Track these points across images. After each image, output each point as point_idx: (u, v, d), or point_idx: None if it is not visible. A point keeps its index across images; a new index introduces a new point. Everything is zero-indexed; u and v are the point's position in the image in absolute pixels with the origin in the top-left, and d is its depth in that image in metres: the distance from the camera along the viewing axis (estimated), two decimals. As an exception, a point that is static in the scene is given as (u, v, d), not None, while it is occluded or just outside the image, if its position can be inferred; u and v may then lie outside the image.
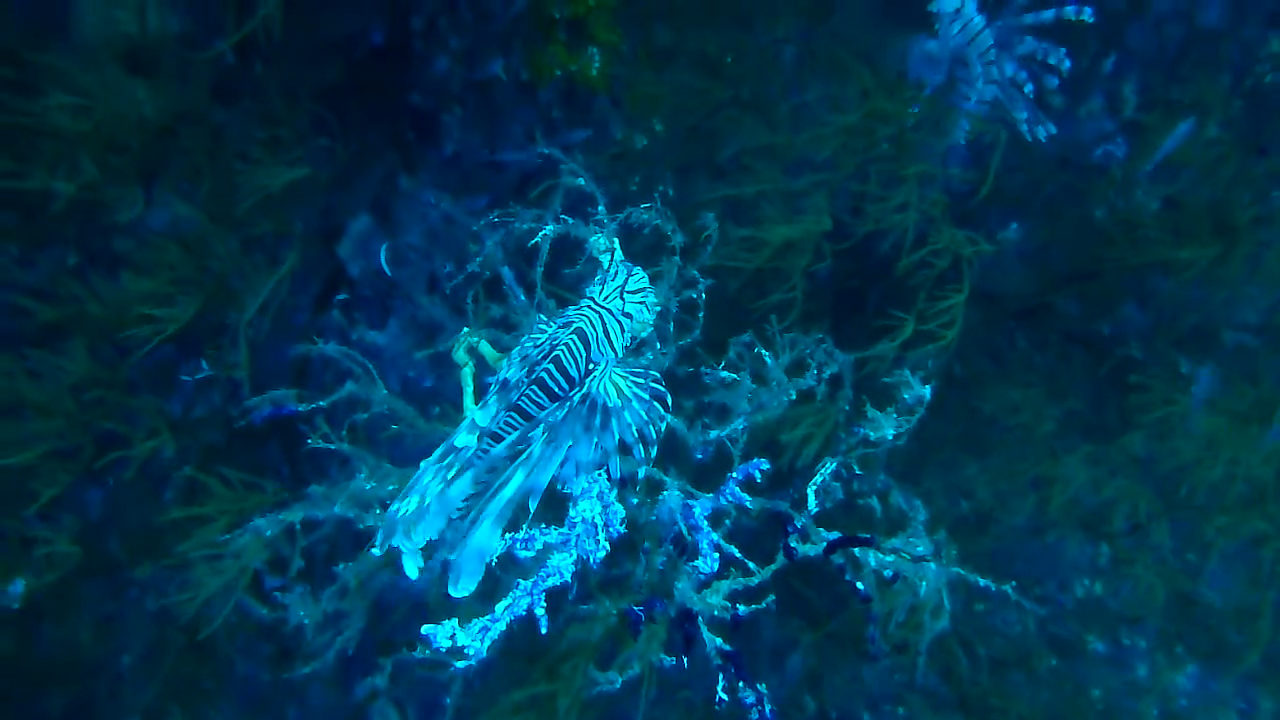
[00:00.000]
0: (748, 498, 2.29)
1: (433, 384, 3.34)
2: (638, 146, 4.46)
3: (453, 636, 1.73)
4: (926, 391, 2.20)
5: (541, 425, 2.10)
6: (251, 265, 3.42)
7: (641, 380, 2.21)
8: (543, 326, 2.25)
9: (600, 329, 2.19)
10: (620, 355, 2.23)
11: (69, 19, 3.53)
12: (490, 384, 2.18)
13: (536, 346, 2.18)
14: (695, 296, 2.17)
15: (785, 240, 3.22)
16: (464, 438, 2.09)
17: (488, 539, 1.92)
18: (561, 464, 2.10)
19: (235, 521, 2.82)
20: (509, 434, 2.12)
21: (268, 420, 3.06)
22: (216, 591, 2.81)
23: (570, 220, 2.05)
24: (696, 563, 2.31)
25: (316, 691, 3.59)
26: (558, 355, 2.16)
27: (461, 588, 1.91)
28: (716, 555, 2.32)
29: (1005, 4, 3.54)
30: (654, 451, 2.17)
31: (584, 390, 2.16)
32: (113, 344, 3.49)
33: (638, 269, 2.23)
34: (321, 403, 2.17)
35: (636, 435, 2.16)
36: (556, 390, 2.17)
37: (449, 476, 2.05)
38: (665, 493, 2.35)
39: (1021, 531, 4.51)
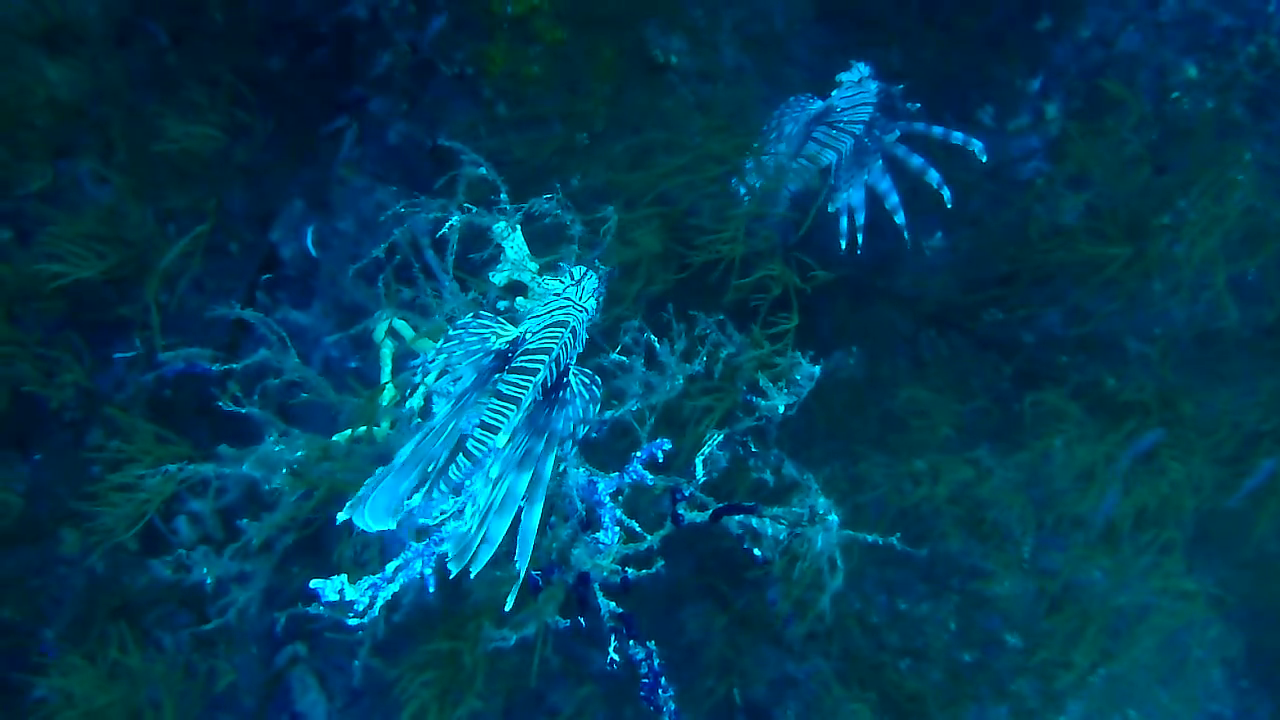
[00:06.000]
0: (649, 476, 2.44)
1: (358, 364, 3.45)
2: (582, 143, 4.56)
3: (340, 591, 1.83)
4: (816, 370, 2.37)
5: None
6: (164, 238, 3.52)
7: (588, 381, 2.37)
8: (488, 320, 2.35)
9: (578, 330, 2.34)
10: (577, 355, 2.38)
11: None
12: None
13: (510, 343, 2.29)
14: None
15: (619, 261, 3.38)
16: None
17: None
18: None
19: (153, 465, 2.88)
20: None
21: (180, 375, 3.15)
22: (122, 518, 2.86)
23: (474, 209, 2.18)
24: (598, 534, 2.46)
25: (240, 661, 3.67)
26: (558, 354, 2.28)
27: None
28: (618, 529, 2.46)
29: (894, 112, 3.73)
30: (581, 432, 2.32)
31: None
32: (32, 311, 3.58)
33: (591, 272, 2.39)
34: (234, 365, 2.28)
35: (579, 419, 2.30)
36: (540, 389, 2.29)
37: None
38: (571, 470, 2.48)
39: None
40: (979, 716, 4.20)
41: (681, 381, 2.26)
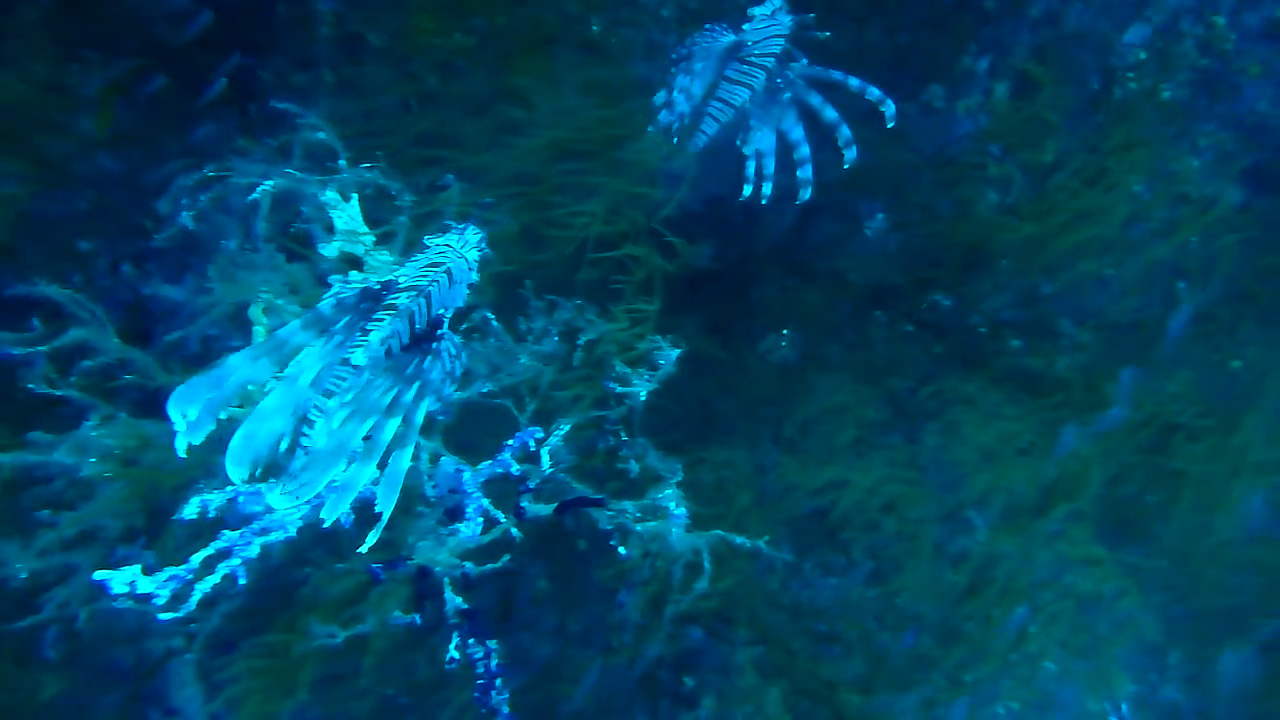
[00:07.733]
0: (515, 465, 2.33)
1: (240, 343, 3.31)
2: (512, 118, 4.45)
3: (132, 584, 1.70)
4: (675, 354, 2.27)
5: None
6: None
7: (454, 353, 2.22)
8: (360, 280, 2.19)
9: (456, 276, 2.18)
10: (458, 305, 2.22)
11: None
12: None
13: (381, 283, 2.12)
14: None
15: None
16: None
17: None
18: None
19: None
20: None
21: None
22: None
23: (298, 175, 2.05)
24: (459, 525, 2.35)
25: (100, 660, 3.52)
26: (430, 293, 2.11)
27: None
28: (481, 520, 2.35)
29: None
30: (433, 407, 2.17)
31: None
32: None
33: (474, 227, 2.24)
34: (41, 348, 2.14)
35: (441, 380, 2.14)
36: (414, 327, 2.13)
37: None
38: (441, 459, 2.37)
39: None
40: (891, 704, 4.14)
41: (526, 360, 2.15)
